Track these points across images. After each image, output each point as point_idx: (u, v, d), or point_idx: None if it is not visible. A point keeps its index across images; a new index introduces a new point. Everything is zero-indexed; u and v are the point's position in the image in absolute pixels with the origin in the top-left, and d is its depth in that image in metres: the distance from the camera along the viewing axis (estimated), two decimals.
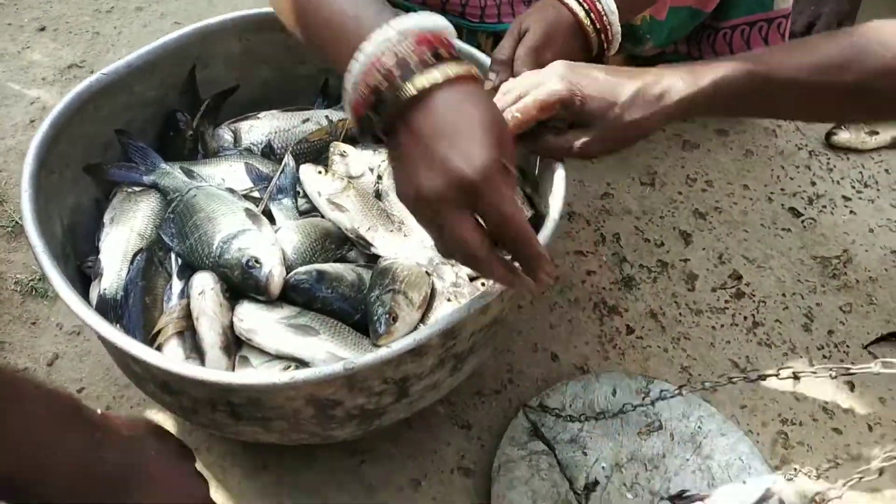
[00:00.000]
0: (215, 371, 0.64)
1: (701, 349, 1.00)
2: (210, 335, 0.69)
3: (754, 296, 1.06)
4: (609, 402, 0.92)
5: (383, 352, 0.60)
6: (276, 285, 0.72)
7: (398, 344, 0.61)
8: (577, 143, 0.71)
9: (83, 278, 0.77)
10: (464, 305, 0.64)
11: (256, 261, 0.72)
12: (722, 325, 1.02)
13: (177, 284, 0.73)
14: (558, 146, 0.72)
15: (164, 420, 0.87)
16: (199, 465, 0.61)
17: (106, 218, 0.80)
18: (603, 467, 0.88)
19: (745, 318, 1.03)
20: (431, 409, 0.92)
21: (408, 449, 0.88)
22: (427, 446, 0.89)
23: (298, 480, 0.84)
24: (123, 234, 0.78)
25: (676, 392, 0.88)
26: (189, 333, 0.71)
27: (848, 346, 1.02)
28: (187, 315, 0.72)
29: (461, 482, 0.86)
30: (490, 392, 0.94)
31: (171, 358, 0.66)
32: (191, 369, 0.58)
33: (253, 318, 0.71)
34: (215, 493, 0.83)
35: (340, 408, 0.65)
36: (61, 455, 0.48)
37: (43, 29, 1.45)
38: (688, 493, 0.84)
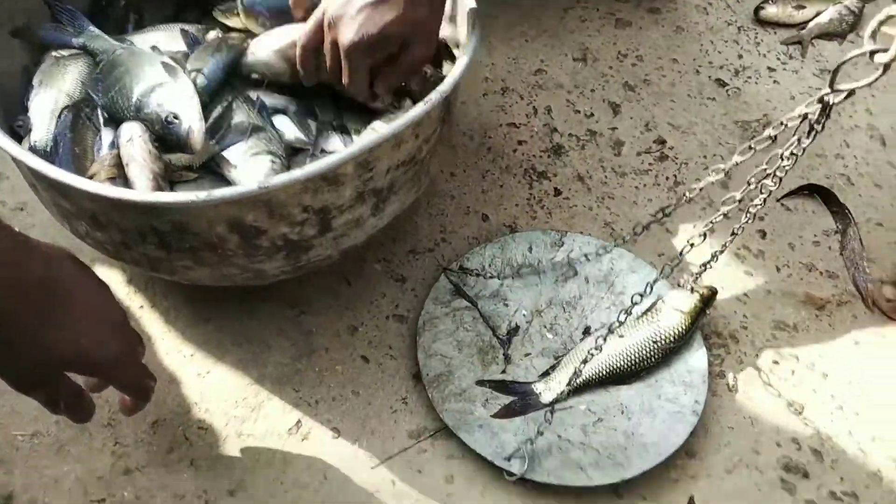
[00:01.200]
0: (137, 192, 0.68)
1: (624, 207, 1.05)
2: (140, 180, 0.72)
3: (677, 158, 1.11)
4: (526, 258, 0.98)
5: (297, 173, 0.64)
6: (197, 140, 0.75)
7: (311, 167, 0.65)
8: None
9: (15, 137, 0.79)
10: (375, 135, 0.68)
11: (175, 116, 0.74)
12: (645, 185, 1.08)
13: (106, 135, 0.76)
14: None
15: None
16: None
17: (35, 81, 0.82)
18: (524, 314, 0.95)
19: (668, 178, 1.09)
20: (368, 267, 0.97)
21: (346, 301, 0.94)
22: (364, 298, 0.94)
23: (240, 329, 0.89)
24: (52, 94, 0.80)
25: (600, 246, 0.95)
26: (121, 181, 0.74)
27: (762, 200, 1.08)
28: (118, 164, 0.74)
29: (395, 327, 0.92)
30: (423, 250, 0.99)
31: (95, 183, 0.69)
32: (115, 191, 0.62)
33: None
34: (161, 341, 0.89)
35: (265, 237, 0.69)
36: None
37: None
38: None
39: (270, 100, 0.84)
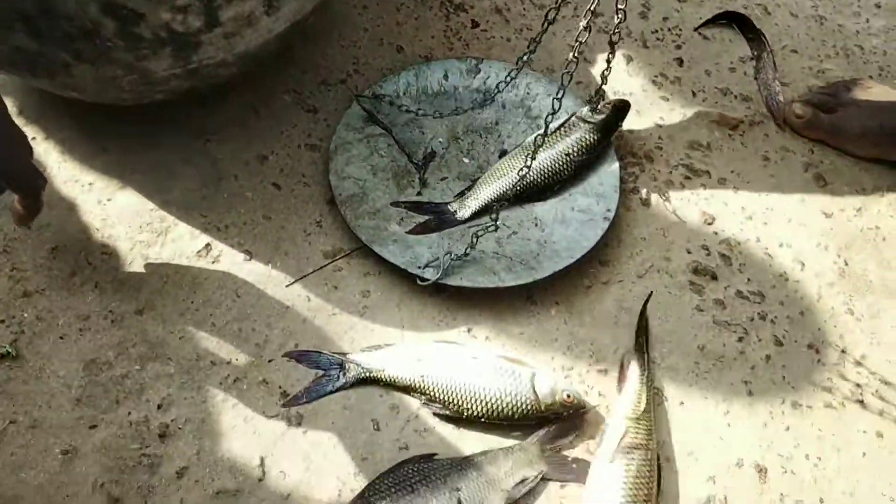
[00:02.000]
0: None
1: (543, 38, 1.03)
2: None
3: None
4: (442, 85, 0.96)
5: None
6: None
7: None
8: None
9: None
10: None
11: None
12: (563, 17, 1.05)
13: None
14: None
15: None
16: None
17: None
18: (440, 141, 0.93)
19: (586, 10, 1.07)
20: (278, 98, 0.93)
21: (254, 131, 0.90)
22: (274, 129, 0.91)
23: (142, 158, 0.85)
24: None
25: (513, 69, 0.93)
26: None
27: (680, 30, 1.07)
28: None
29: (308, 156, 0.90)
30: (336, 81, 0.96)
31: None
32: None
33: None
34: (58, 170, 0.84)
35: (145, 24, 0.65)
36: None
37: None
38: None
39: None
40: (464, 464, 0.72)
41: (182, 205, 0.84)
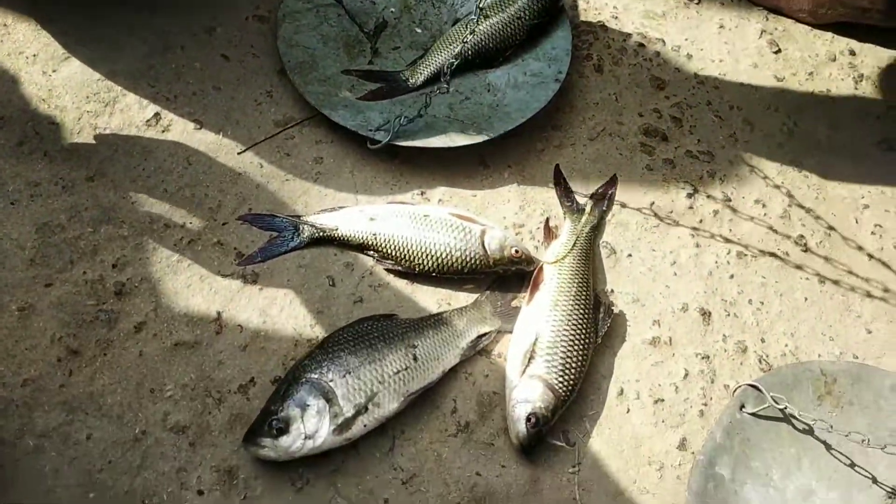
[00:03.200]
0: None
1: None
2: None
3: None
4: None
5: None
6: None
7: None
8: None
9: None
10: None
11: None
12: None
13: None
14: None
15: None
16: None
17: None
18: (392, 11, 0.92)
19: None
20: None
21: (200, 4, 0.88)
22: (221, 1, 0.89)
23: (87, 30, 0.83)
24: None
25: None
26: None
27: None
28: None
29: (257, 27, 0.88)
30: None
31: None
32: None
33: None
34: None
35: None
36: None
37: None
38: None
39: None
40: (421, 323, 0.73)
41: (129, 75, 0.82)
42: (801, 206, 0.85)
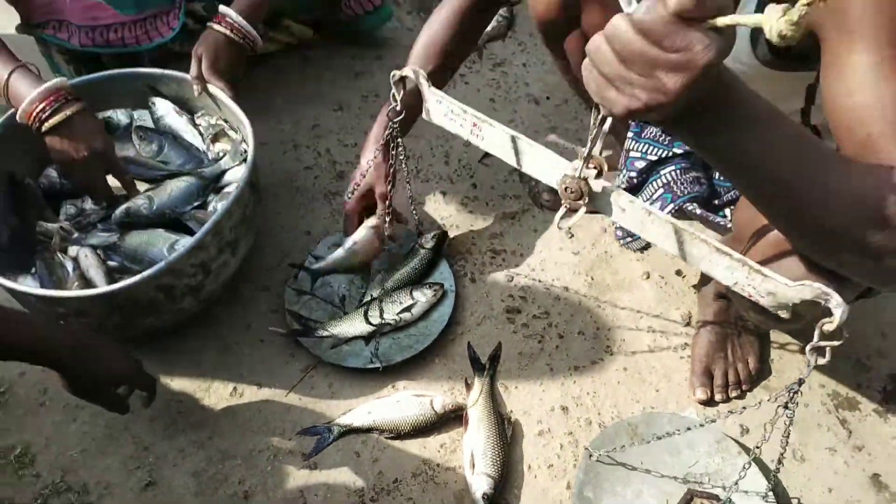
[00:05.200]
0: (100, 288, 1.22)
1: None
2: (96, 273, 1.27)
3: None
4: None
5: (174, 256, 1.20)
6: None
7: (181, 247, 1.21)
8: None
9: None
10: (216, 213, 1.25)
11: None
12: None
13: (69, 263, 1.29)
14: None
15: None
16: None
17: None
18: (345, 287, 1.55)
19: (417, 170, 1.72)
20: (246, 289, 1.54)
21: (239, 317, 1.50)
22: (253, 308, 1.51)
23: (178, 354, 1.44)
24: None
25: None
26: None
27: (472, 166, 1.73)
28: (83, 277, 1.28)
29: (276, 319, 1.50)
30: (275, 265, 1.57)
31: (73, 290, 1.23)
32: (88, 291, 1.16)
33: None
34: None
35: (177, 288, 1.25)
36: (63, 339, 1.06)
37: None
38: None
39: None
40: None
41: (215, 367, 1.42)
42: (604, 333, 1.48)
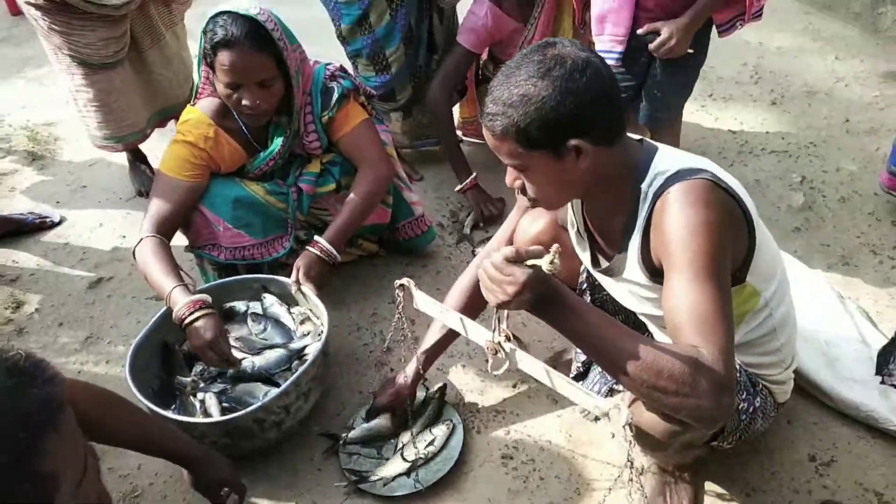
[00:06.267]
0: (216, 418, 1.80)
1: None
2: (214, 409, 1.87)
3: None
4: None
5: (266, 400, 1.80)
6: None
7: (272, 395, 1.82)
8: None
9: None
10: (296, 374, 1.86)
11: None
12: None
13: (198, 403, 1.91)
14: None
15: None
16: None
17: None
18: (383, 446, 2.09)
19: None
20: (311, 432, 2.09)
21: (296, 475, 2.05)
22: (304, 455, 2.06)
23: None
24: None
25: None
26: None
27: None
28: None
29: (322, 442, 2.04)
30: (335, 413, 2.13)
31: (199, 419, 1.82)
32: (208, 419, 1.76)
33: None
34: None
35: (266, 421, 1.84)
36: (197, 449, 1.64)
37: None
38: None
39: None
40: None
41: (264, 494, 1.94)
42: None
